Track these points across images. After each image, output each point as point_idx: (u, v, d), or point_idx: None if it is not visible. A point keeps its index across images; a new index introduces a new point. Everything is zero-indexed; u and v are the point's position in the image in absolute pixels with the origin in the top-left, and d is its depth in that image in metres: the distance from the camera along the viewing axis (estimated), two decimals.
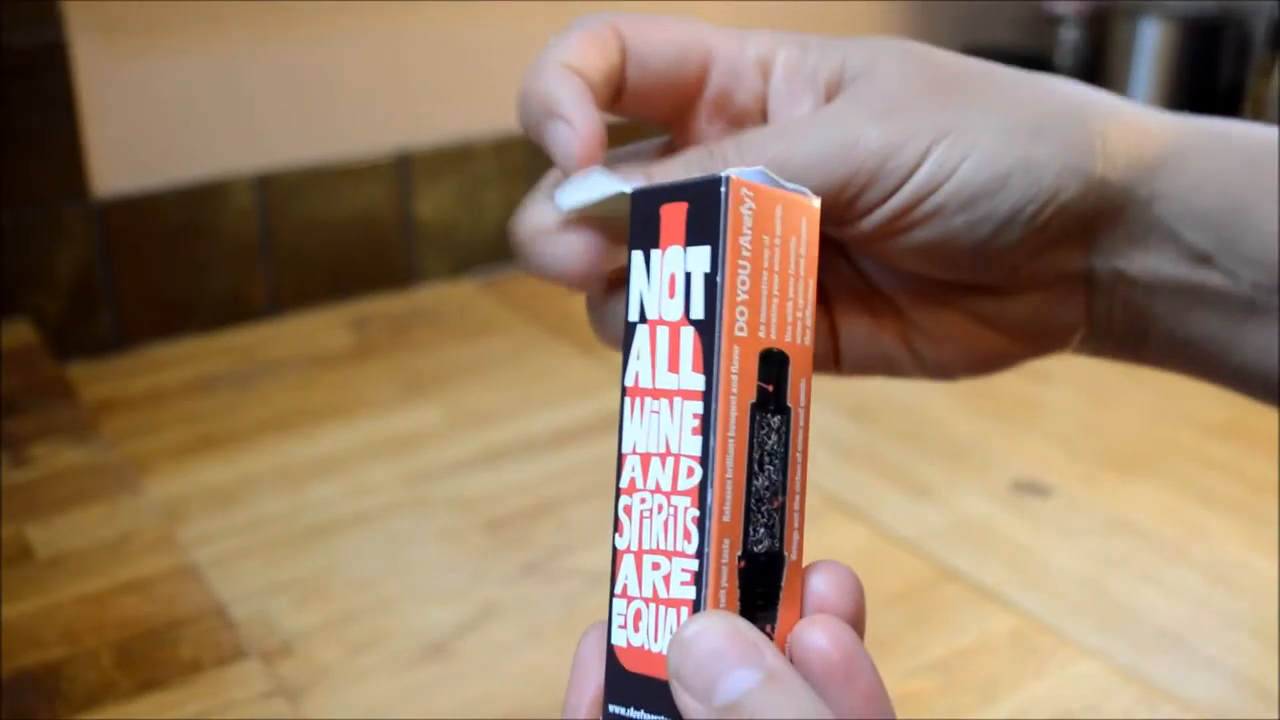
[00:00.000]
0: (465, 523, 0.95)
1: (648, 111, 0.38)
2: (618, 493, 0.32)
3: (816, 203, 0.32)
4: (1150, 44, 1.54)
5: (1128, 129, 0.35)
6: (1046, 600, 0.86)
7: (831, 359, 0.41)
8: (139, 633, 0.78)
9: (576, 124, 0.33)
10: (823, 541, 0.93)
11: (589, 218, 0.35)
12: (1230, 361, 0.37)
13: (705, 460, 0.29)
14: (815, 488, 1.00)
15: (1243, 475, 1.01)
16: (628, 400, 0.31)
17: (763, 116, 0.38)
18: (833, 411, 1.12)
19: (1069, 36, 1.62)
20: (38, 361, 1.13)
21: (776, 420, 0.31)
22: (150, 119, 1.23)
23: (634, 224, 0.32)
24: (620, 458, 0.32)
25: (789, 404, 0.31)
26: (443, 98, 1.38)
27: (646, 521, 0.31)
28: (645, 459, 0.31)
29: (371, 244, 1.37)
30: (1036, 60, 1.65)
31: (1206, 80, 1.56)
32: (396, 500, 0.99)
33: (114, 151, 1.22)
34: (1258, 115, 1.49)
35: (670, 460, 0.30)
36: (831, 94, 0.36)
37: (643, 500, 0.31)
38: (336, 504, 0.98)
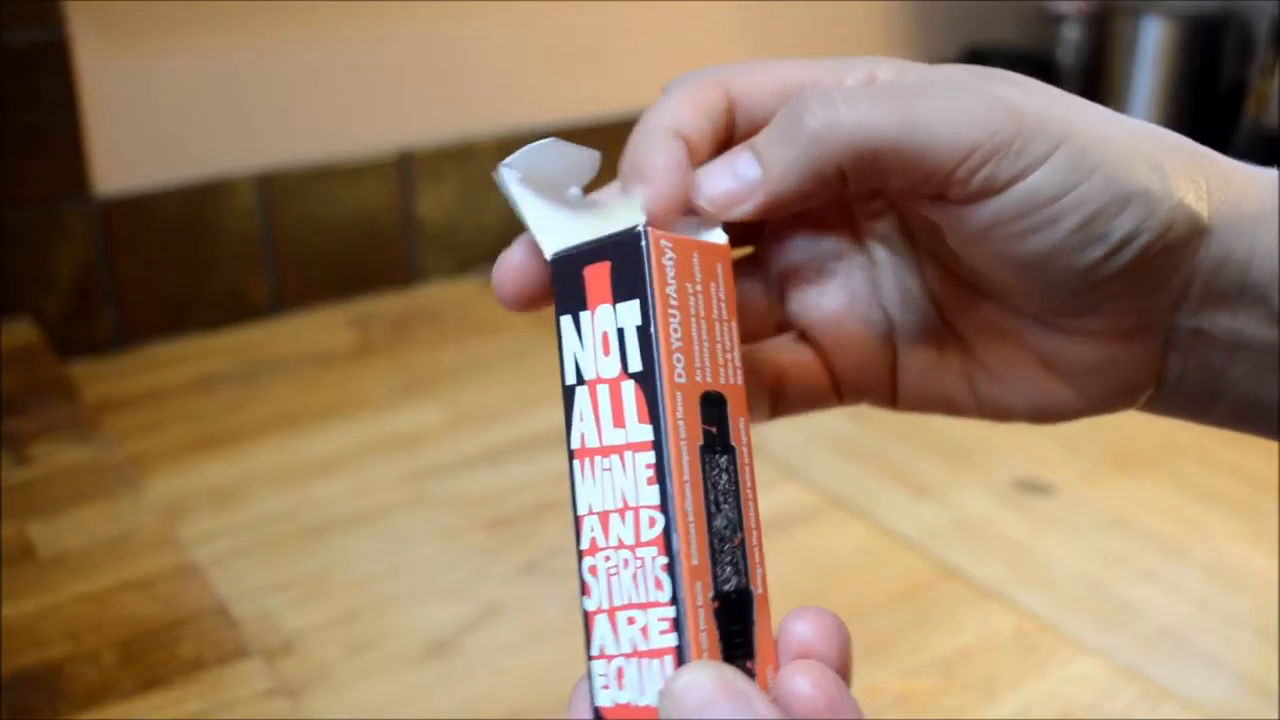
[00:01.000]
0: (466, 521, 0.96)
1: None
2: (580, 555, 0.32)
3: (725, 239, 0.33)
4: (1152, 42, 1.53)
5: (1231, 183, 0.34)
6: (1047, 599, 0.86)
7: (888, 394, 0.40)
8: (140, 631, 0.78)
9: (656, 184, 0.32)
10: (823, 540, 0.93)
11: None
12: None
13: (665, 507, 0.30)
14: (815, 486, 1.00)
15: (1244, 474, 1.01)
16: (576, 463, 0.32)
17: None
18: (833, 410, 1.12)
19: (1071, 35, 1.62)
20: (39, 360, 1.13)
21: (724, 460, 0.31)
22: (151, 117, 1.23)
23: (557, 289, 0.32)
24: (577, 520, 0.32)
25: (733, 443, 0.31)
26: (444, 96, 1.38)
27: (614, 578, 0.31)
28: (604, 517, 0.31)
29: (373, 243, 1.37)
30: (1038, 59, 1.65)
31: (1208, 79, 1.56)
32: (398, 499, 0.99)
33: (115, 150, 1.22)
34: (1259, 114, 1.49)
35: (630, 514, 0.30)
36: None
37: (607, 558, 0.31)
38: (338, 503, 0.98)
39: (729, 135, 0.35)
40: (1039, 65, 1.64)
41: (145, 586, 0.82)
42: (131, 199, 1.23)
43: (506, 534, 0.94)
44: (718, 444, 0.31)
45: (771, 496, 0.97)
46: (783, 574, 0.88)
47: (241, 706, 0.72)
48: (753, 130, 0.35)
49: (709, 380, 0.31)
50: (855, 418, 1.10)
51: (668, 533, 0.30)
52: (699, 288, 0.31)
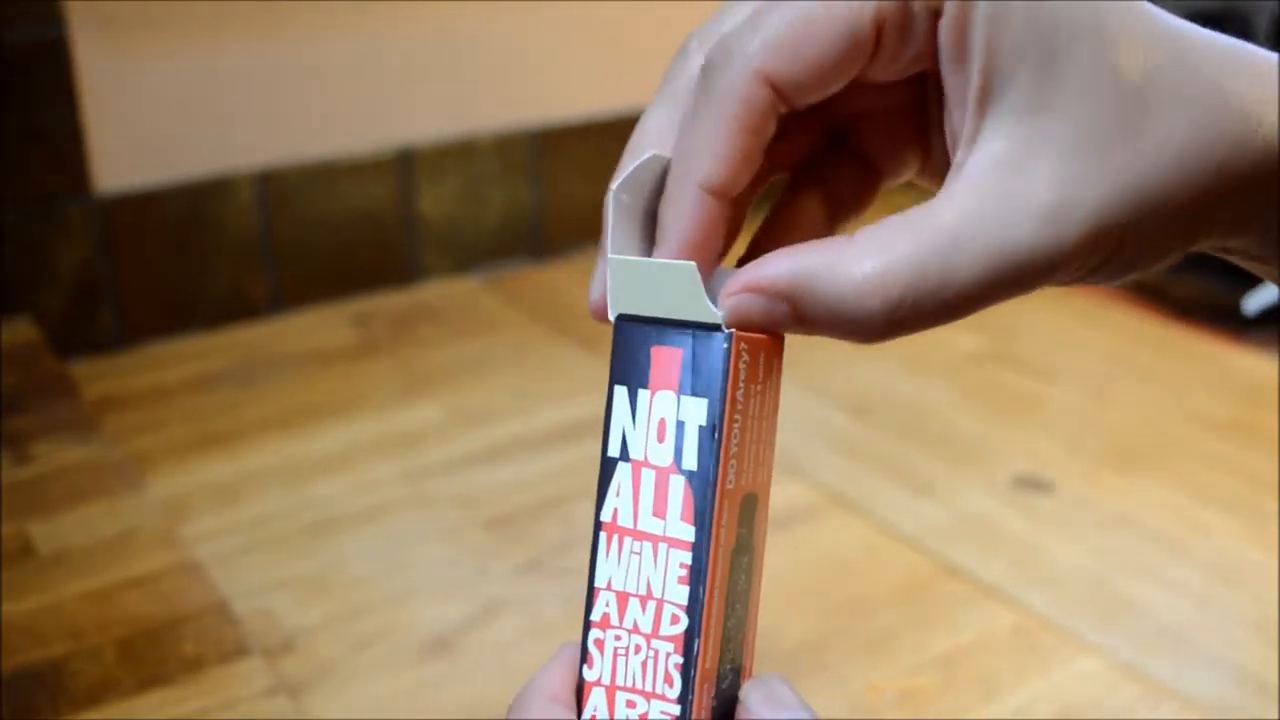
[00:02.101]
0: (467, 520, 0.96)
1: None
2: (588, 624, 0.32)
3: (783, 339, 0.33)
4: None
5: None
6: (1048, 597, 0.86)
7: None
8: (141, 629, 0.78)
9: (672, 246, 0.31)
10: (824, 538, 0.93)
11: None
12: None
13: (692, 610, 0.30)
14: (817, 484, 1.00)
15: (1244, 472, 1.01)
16: (604, 535, 0.32)
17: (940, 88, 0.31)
18: (834, 408, 1.12)
19: None
20: (39, 359, 1.13)
21: (746, 561, 0.32)
22: (152, 116, 1.23)
23: (617, 354, 0.32)
24: (593, 590, 0.32)
25: (754, 543, 0.32)
26: (445, 95, 1.38)
27: (621, 659, 0.31)
28: (622, 597, 0.31)
29: (373, 241, 1.37)
30: None
31: None
32: (398, 497, 0.99)
33: (115, 148, 1.22)
34: None
35: (652, 604, 0.31)
36: (986, 103, 0.29)
37: (618, 637, 0.31)
38: (338, 501, 0.98)
39: (782, 122, 0.31)
40: None
41: (146, 585, 0.82)
42: (132, 198, 1.23)
43: (507, 532, 0.94)
44: (744, 546, 0.32)
45: (773, 494, 0.97)
46: (784, 572, 0.89)
47: (242, 704, 0.72)
48: (807, 102, 0.30)
49: (750, 482, 0.32)
50: (857, 415, 1.10)
51: (689, 635, 0.30)
52: (760, 387, 0.31)
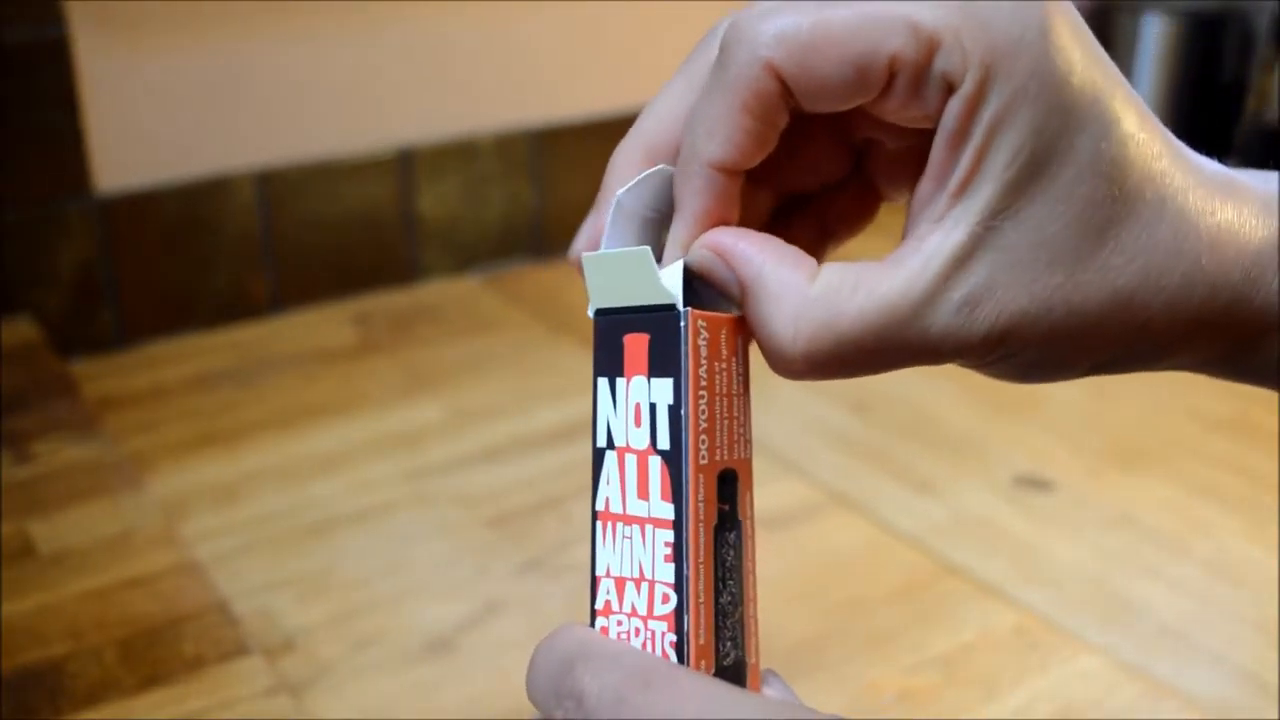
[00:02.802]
0: (467, 519, 0.96)
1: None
2: (593, 614, 0.33)
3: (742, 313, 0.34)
4: (1153, 39, 1.53)
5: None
6: (1049, 596, 0.86)
7: None
8: (141, 629, 0.78)
9: (679, 245, 0.32)
10: (824, 538, 0.93)
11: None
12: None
13: (679, 587, 0.31)
14: (817, 482, 1.00)
15: (1244, 470, 1.01)
16: (599, 524, 0.33)
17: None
18: (834, 407, 1.12)
19: None
20: (40, 358, 1.13)
21: (733, 536, 0.32)
22: (152, 115, 1.23)
23: (598, 349, 0.33)
24: (594, 580, 0.33)
25: (740, 517, 0.33)
26: (445, 94, 1.38)
27: (624, 642, 0.32)
28: (620, 583, 0.32)
29: (373, 240, 1.37)
30: None
31: (1209, 76, 1.55)
32: (398, 497, 0.99)
33: (116, 148, 1.22)
34: (1260, 110, 1.49)
35: (645, 585, 0.32)
36: (963, 190, 0.29)
37: (619, 623, 0.32)
38: (338, 500, 0.98)
39: (788, 118, 0.31)
40: None
41: (146, 584, 0.82)
42: (132, 197, 1.23)
43: (507, 531, 0.94)
44: (729, 521, 0.32)
45: (773, 492, 0.97)
46: (784, 571, 0.89)
47: (242, 704, 0.72)
48: (815, 110, 0.30)
49: (726, 457, 0.32)
50: (857, 414, 1.10)
51: (679, 612, 0.31)
52: (725, 364, 0.32)
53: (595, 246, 0.34)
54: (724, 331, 0.32)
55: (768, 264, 0.30)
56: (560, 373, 1.19)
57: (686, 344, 0.31)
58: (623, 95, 1.46)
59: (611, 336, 0.33)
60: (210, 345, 1.26)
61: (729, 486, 0.32)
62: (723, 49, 0.30)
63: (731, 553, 0.32)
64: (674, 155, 0.33)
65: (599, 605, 0.33)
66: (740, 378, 0.33)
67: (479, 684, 0.78)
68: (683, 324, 0.31)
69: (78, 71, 1.18)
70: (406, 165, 1.37)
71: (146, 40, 1.21)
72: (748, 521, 0.33)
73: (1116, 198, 0.29)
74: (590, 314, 0.33)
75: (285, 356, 1.24)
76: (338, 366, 1.22)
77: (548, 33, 1.42)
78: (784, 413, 1.11)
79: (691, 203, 0.32)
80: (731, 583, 0.32)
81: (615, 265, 0.33)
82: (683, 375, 0.31)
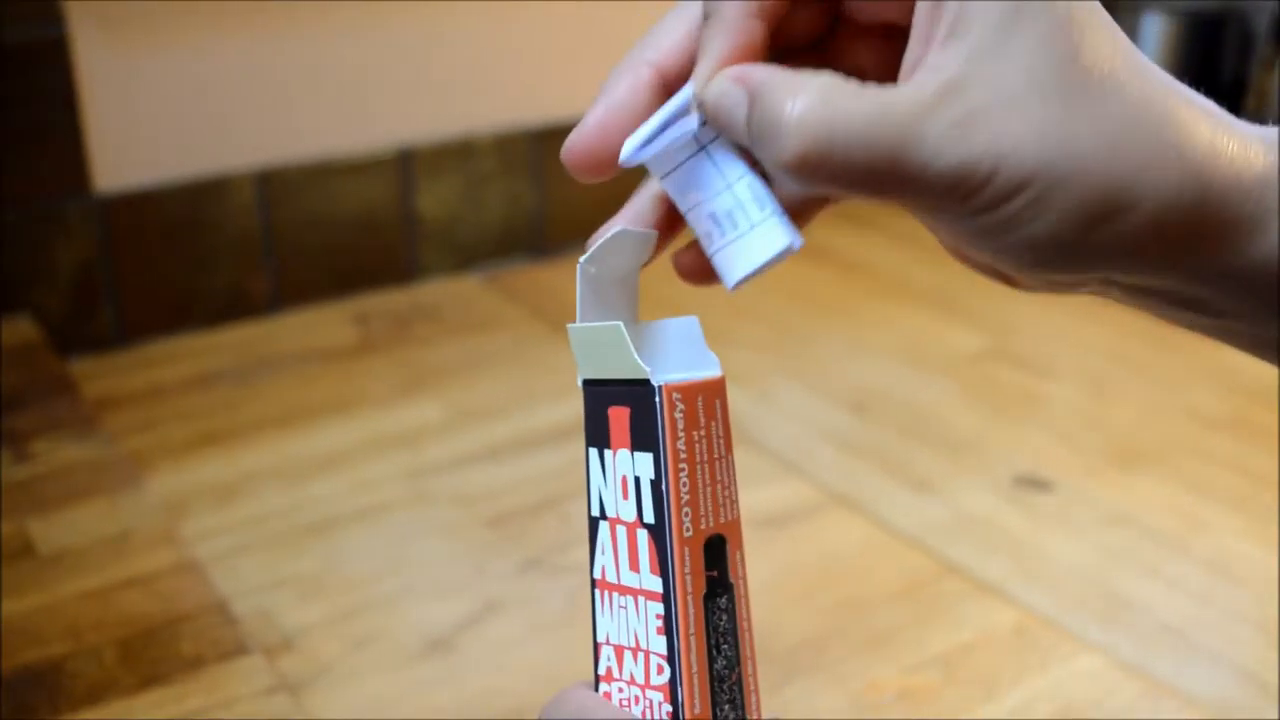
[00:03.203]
0: (467, 518, 0.95)
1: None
2: (597, 679, 0.34)
3: (720, 372, 0.34)
4: (1153, 38, 1.53)
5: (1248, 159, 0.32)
6: (1048, 595, 0.86)
7: None
8: (141, 629, 0.78)
9: (583, 121, 0.34)
10: (824, 537, 0.93)
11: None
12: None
13: (671, 659, 0.32)
14: (817, 482, 1.00)
15: (1244, 469, 1.01)
16: (598, 592, 0.34)
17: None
18: (834, 407, 1.12)
19: None
20: (39, 357, 1.13)
21: (724, 600, 0.33)
22: (152, 115, 1.23)
23: (588, 419, 0.35)
24: (596, 646, 0.34)
25: (731, 580, 0.33)
26: (444, 94, 1.38)
27: (625, 708, 0.33)
28: (619, 651, 0.33)
29: (373, 240, 1.37)
30: None
31: (1209, 74, 1.55)
32: (398, 496, 0.99)
33: (115, 147, 1.22)
34: (1260, 109, 1.49)
35: (641, 655, 0.33)
36: (951, 35, 0.30)
37: (620, 690, 0.33)
38: (338, 500, 0.98)
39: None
40: None
41: (145, 584, 0.82)
42: (132, 196, 1.23)
43: (506, 531, 0.94)
44: (718, 587, 0.33)
45: (772, 492, 0.97)
46: (784, 571, 0.89)
47: (242, 703, 0.72)
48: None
49: (711, 524, 0.33)
50: (857, 414, 1.10)
51: (673, 684, 0.32)
52: (703, 432, 0.33)
53: (609, 132, 0.34)
54: (700, 398, 0.33)
55: (777, 73, 0.31)
56: (560, 372, 1.19)
57: (663, 418, 0.32)
58: None
59: (597, 408, 0.34)
60: (210, 345, 1.26)
61: (716, 551, 0.33)
62: None
63: (724, 617, 0.33)
64: (679, 81, 0.34)
65: (601, 671, 0.34)
66: (720, 440, 0.33)
67: (478, 684, 0.78)
68: (658, 399, 0.32)
69: (78, 71, 1.18)
70: (406, 165, 1.37)
71: (146, 40, 1.21)
72: (739, 582, 0.33)
73: (1100, 53, 0.31)
74: (579, 383, 0.34)
75: (285, 356, 1.24)
76: (337, 366, 1.22)
77: (548, 33, 1.42)
78: (784, 413, 1.11)
79: (719, 43, 0.32)
80: (726, 646, 0.33)
81: (593, 337, 0.34)
82: (661, 450, 0.32)
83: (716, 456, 0.33)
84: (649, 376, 0.32)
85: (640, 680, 0.32)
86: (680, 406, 0.32)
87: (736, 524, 0.34)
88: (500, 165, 1.42)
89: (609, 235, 0.33)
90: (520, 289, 1.39)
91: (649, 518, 0.32)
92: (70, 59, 1.17)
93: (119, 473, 0.95)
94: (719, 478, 0.33)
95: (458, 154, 1.39)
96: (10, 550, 0.85)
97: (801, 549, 0.92)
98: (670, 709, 0.32)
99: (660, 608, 0.32)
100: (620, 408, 0.33)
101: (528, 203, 1.45)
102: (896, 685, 0.77)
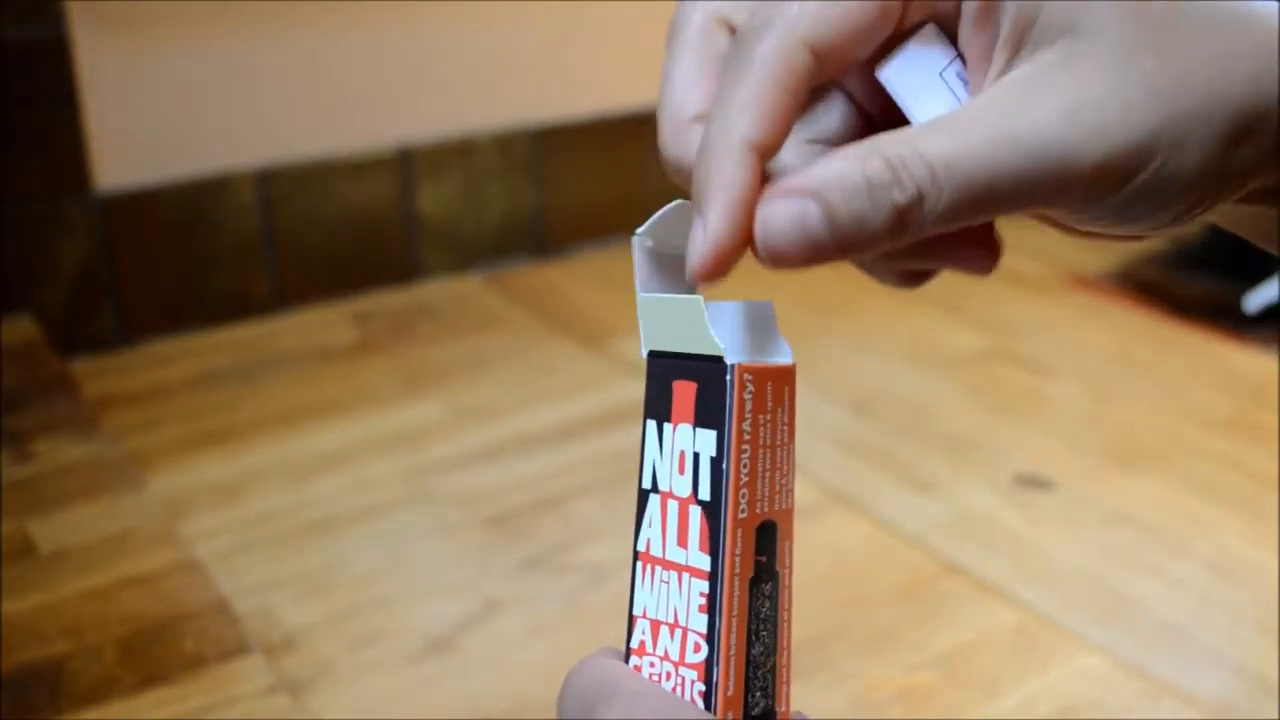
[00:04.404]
0: (467, 518, 0.95)
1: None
2: (628, 651, 0.34)
3: (792, 360, 0.34)
4: None
5: None
6: (1049, 594, 0.86)
7: None
8: (142, 628, 0.78)
9: (712, 232, 0.29)
10: (825, 536, 0.93)
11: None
12: None
13: (711, 639, 0.31)
14: (818, 482, 1.00)
15: (1244, 469, 1.01)
16: (640, 565, 0.33)
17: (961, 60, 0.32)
18: (835, 406, 1.12)
19: None
20: (40, 357, 1.13)
21: (769, 588, 0.33)
22: (152, 114, 1.23)
23: (649, 390, 0.34)
24: (631, 618, 0.34)
25: (778, 568, 0.33)
26: (444, 93, 1.38)
27: (655, 684, 0.33)
28: (655, 625, 0.33)
29: (374, 239, 1.37)
30: None
31: None
32: (399, 495, 0.99)
33: (116, 147, 1.22)
34: None
35: (678, 632, 0.32)
36: (1020, 44, 0.30)
37: (652, 665, 0.33)
38: (339, 499, 0.98)
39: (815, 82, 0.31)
40: None
41: (146, 583, 0.82)
42: (132, 196, 1.23)
43: (507, 530, 0.94)
44: (765, 573, 0.33)
45: None
46: None
47: (243, 703, 0.72)
48: (840, 68, 0.31)
49: (766, 510, 0.33)
50: (858, 413, 1.10)
51: (709, 663, 0.31)
52: (769, 416, 0.33)
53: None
54: (770, 383, 0.32)
55: (821, 165, 0.29)
56: (560, 372, 1.19)
57: (732, 398, 0.31)
58: (623, 95, 1.46)
59: (662, 380, 0.33)
60: (210, 344, 1.26)
61: (768, 538, 0.33)
62: (750, 35, 0.30)
63: (767, 604, 0.33)
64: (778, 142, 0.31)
65: (634, 644, 0.33)
66: (785, 428, 0.33)
67: (479, 683, 0.78)
68: (729, 378, 0.32)
69: (78, 71, 1.18)
70: (407, 164, 1.37)
71: (147, 39, 1.21)
72: (785, 572, 0.33)
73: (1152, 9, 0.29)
74: (643, 355, 0.34)
75: (285, 355, 1.24)
76: (338, 365, 1.22)
77: (548, 32, 1.42)
78: None
79: (727, 187, 0.29)
80: (765, 634, 0.33)
81: (667, 310, 0.33)
82: (726, 429, 0.31)
83: (779, 444, 0.33)
84: (722, 354, 0.32)
85: (675, 657, 0.32)
86: (750, 388, 0.32)
87: (789, 514, 0.34)
88: (500, 165, 1.42)
89: (666, 208, 0.33)
90: (521, 288, 1.39)
91: (704, 495, 0.32)
92: (70, 59, 1.17)
93: (120, 472, 0.95)
94: (779, 464, 0.33)
95: (458, 154, 1.39)
96: (11, 550, 0.85)
97: (802, 548, 0.91)
98: (703, 688, 0.31)
99: (705, 585, 0.32)
100: (686, 382, 0.33)
101: (528, 203, 1.45)
102: (897, 684, 0.77)
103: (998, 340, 1.25)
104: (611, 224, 1.47)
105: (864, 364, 1.20)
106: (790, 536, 0.33)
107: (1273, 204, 0.33)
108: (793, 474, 0.33)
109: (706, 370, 0.32)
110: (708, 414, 0.32)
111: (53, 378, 1.10)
